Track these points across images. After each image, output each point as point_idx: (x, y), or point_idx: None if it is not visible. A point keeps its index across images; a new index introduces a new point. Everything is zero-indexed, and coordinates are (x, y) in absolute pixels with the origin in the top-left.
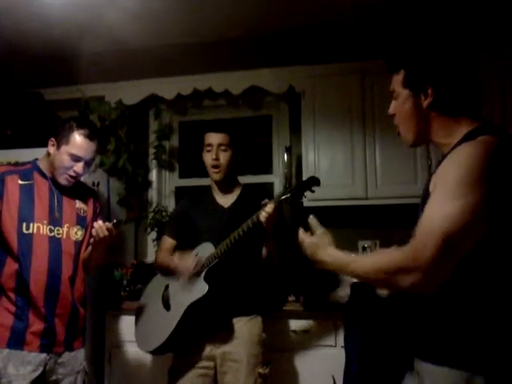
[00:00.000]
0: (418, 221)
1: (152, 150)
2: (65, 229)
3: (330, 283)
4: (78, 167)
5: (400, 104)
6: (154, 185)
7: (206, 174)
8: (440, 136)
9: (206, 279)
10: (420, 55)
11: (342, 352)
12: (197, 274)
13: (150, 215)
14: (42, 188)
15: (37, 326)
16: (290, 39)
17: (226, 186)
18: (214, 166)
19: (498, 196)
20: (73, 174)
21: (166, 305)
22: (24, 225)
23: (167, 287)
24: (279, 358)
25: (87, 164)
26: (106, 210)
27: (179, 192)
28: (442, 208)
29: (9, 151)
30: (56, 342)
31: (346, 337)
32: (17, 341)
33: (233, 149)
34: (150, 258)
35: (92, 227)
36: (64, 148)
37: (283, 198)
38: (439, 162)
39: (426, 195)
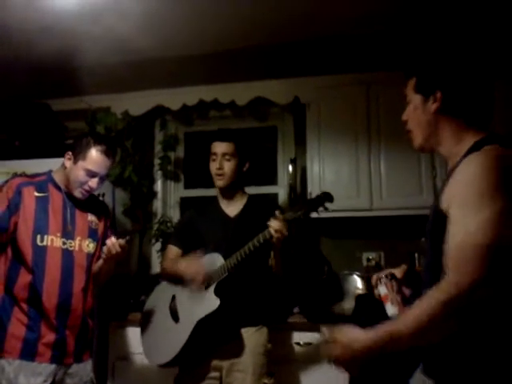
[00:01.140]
0: (426, 240)
1: (157, 161)
2: (77, 241)
3: (333, 295)
4: (93, 182)
5: (412, 109)
6: (159, 195)
7: (211, 185)
8: (449, 143)
9: (216, 292)
10: (431, 60)
11: None
12: (206, 287)
13: (155, 226)
14: (56, 200)
15: (48, 337)
16: (295, 51)
17: (231, 195)
18: (218, 175)
19: None
20: (87, 188)
21: (175, 316)
22: (38, 237)
23: (174, 298)
24: (283, 370)
25: (102, 179)
26: (112, 220)
27: (184, 203)
28: (471, 222)
29: (17, 162)
30: (66, 354)
31: None
32: (29, 352)
33: (238, 158)
34: (155, 269)
35: (103, 240)
36: (81, 163)
37: (297, 214)
38: (448, 177)
39: (436, 214)
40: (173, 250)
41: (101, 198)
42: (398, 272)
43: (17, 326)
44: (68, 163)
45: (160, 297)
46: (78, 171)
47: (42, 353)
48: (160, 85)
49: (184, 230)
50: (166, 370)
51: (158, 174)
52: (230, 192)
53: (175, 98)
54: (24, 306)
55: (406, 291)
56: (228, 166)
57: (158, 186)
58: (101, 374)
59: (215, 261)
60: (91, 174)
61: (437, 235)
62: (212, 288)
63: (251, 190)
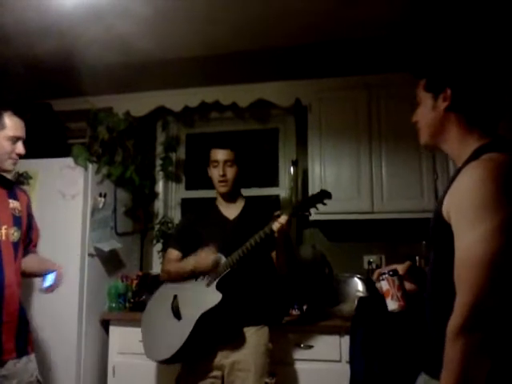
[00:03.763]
0: (428, 245)
1: (159, 162)
2: (3, 230)
3: (329, 297)
4: (20, 147)
5: (421, 108)
6: (161, 196)
7: (212, 186)
8: (453, 144)
9: (219, 288)
10: (440, 59)
11: (347, 367)
12: (208, 284)
13: (156, 227)
14: None
15: None
16: (297, 53)
17: (231, 199)
18: (221, 181)
19: None
20: (15, 156)
21: (177, 314)
22: None
23: (176, 297)
24: (283, 371)
25: (24, 143)
26: (113, 221)
27: (185, 204)
28: (469, 237)
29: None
30: (4, 351)
31: (352, 352)
32: None
33: (237, 164)
34: (156, 269)
35: (27, 228)
36: (0, 134)
37: (296, 210)
38: (451, 181)
39: (437, 220)
40: (173, 253)
41: (102, 198)
42: (401, 268)
43: None
44: None
45: (161, 297)
46: (1, 142)
47: None
48: (162, 86)
49: (184, 233)
50: (167, 370)
51: (160, 175)
52: (231, 196)
53: (177, 99)
54: None
55: (410, 287)
56: (230, 172)
57: (160, 186)
58: (101, 375)
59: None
60: (15, 140)
61: (439, 241)
62: (214, 284)
63: (253, 191)
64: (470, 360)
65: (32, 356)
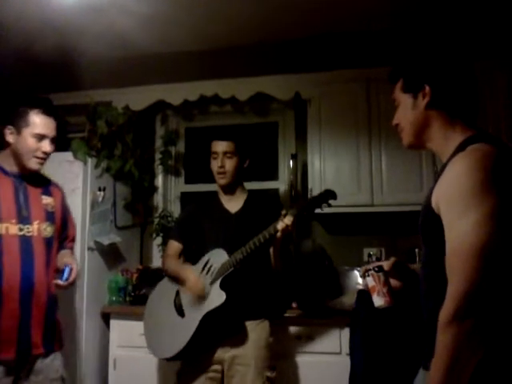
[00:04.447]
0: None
1: (158, 156)
2: (35, 226)
3: (330, 291)
4: (46, 146)
5: (401, 110)
6: (160, 190)
7: (211, 180)
8: (438, 141)
9: (222, 287)
10: (415, 59)
11: (347, 359)
12: (211, 282)
13: (156, 220)
14: (4, 187)
15: (11, 329)
16: (297, 47)
17: (232, 191)
18: (220, 173)
19: (505, 201)
20: (41, 154)
21: (180, 311)
22: None
23: (178, 293)
24: (284, 365)
25: (52, 141)
26: (113, 215)
27: (184, 197)
28: (460, 226)
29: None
30: (32, 345)
31: (351, 345)
32: None
33: (238, 155)
34: (156, 263)
35: (62, 223)
36: (26, 131)
37: (302, 211)
38: (439, 174)
39: (426, 211)
40: (174, 246)
41: (101, 192)
42: (386, 264)
43: None
44: (11, 137)
45: (164, 292)
46: (27, 140)
47: (6, 349)
48: (161, 80)
49: (185, 224)
50: (167, 364)
51: (159, 169)
52: (231, 189)
53: (176, 93)
54: None
55: (394, 283)
56: (229, 164)
57: (159, 180)
58: (102, 368)
59: (220, 256)
60: (40, 137)
61: (428, 232)
62: (218, 283)
63: (252, 185)
64: (462, 348)
65: (58, 353)
